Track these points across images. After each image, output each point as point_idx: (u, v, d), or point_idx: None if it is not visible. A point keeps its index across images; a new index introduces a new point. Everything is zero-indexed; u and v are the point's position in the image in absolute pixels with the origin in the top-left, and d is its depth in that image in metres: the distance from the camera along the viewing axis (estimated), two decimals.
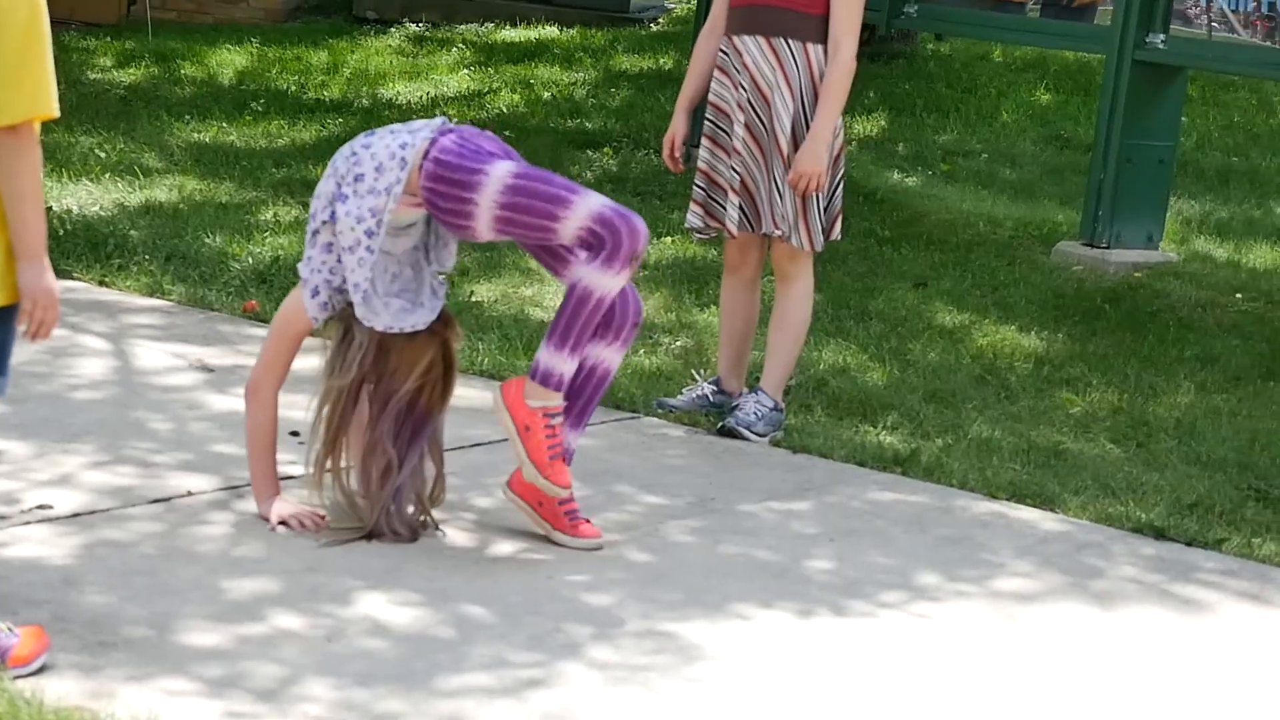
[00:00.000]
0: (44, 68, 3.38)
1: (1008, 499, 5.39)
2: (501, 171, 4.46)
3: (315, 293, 4.56)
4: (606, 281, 4.45)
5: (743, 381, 5.96)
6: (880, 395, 6.23)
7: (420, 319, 4.53)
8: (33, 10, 3.37)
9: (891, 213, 9.06)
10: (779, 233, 5.64)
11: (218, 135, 9.54)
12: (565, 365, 4.52)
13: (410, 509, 4.58)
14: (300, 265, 4.62)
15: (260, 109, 10.28)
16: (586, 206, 4.44)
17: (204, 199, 8.12)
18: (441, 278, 4.68)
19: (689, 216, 5.80)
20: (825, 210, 5.68)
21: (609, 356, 4.66)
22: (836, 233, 5.77)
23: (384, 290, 4.53)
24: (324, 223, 4.55)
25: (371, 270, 4.48)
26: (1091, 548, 5.06)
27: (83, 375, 5.71)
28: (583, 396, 4.66)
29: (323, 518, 4.58)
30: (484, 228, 4.47)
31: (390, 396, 4.51)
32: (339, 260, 4.54)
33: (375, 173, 4.49)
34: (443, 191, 4.47)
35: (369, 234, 4.48)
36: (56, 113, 3.43)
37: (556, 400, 4.54)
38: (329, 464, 4.56)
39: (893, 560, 4.81)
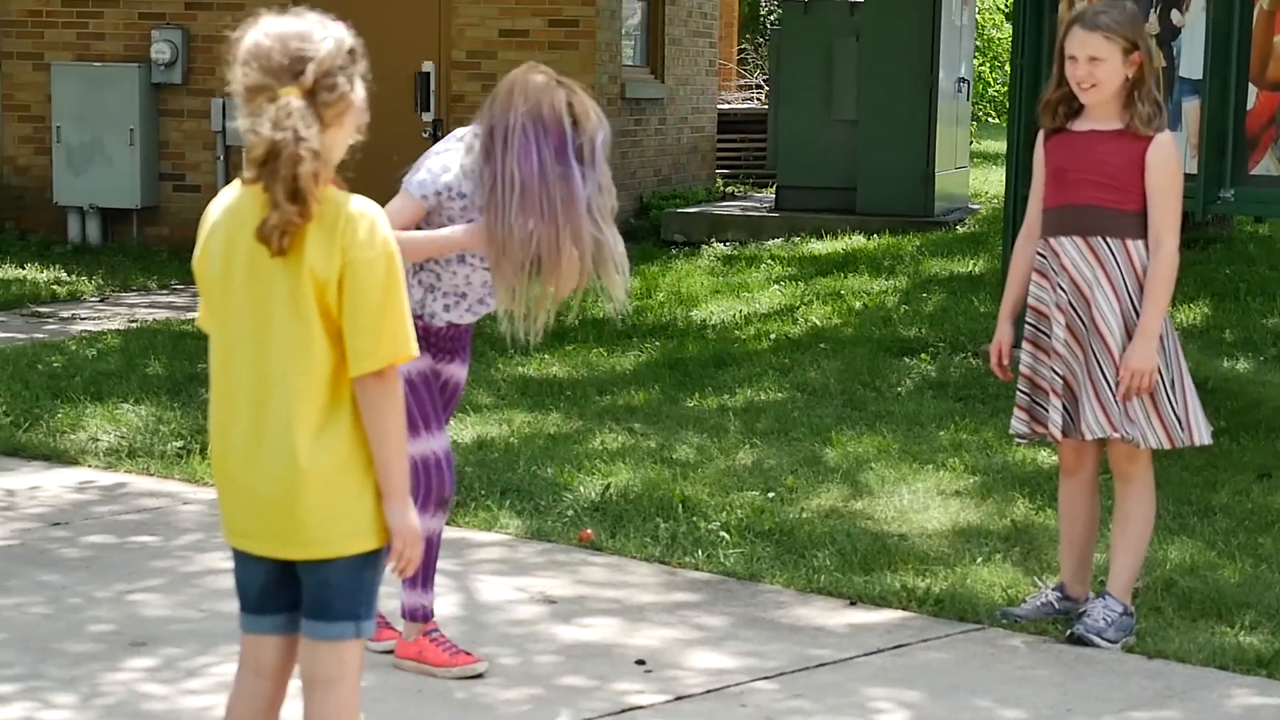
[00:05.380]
0: (403, 312, 3.53)
1: None
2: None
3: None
4: (430, 524, 5.14)
5: (1088, 586, 5.81)
6: (1234, 593, 6.00)
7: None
8: (390, 262, 3.53)
9: (1225, 402, 8.81)
10: (1116, 435, 5.53)
11: (541, 368, 9.77)
12: (424, 597, 5.28)
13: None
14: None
15: (579, 339, 10.51)
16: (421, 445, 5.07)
17: (533, 431, 8.30)
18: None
19: (1013, 423, 5.72)
20: (1180, 403, 5.53)
21: (433, 526, 5.19)
22: (1201, 430, 5.59)
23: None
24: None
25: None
26: None
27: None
28: (427, 565, 5.22)
29: None
30: None
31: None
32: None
33: None
34: None
35: None
36: (416, 353, 3.58)
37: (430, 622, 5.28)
38: None
39: None
